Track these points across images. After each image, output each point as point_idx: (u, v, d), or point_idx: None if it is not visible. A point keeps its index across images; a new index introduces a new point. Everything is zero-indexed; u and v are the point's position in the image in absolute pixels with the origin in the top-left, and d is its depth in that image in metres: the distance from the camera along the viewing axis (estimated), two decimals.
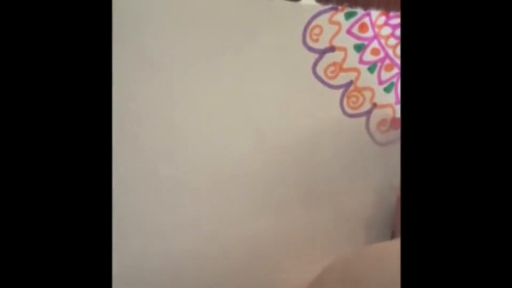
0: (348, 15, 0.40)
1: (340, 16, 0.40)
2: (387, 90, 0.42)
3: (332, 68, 0.41)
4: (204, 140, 0.41)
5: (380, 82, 0.42)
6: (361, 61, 0.41)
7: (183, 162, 0.41)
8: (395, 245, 0.36)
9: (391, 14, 0.41)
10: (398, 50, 0.41)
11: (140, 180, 0.40)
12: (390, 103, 0.43)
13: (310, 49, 0.40)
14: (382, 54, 0.41)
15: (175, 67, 0.38)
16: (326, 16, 0.39)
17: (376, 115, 0.43)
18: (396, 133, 0.43)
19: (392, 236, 0.46)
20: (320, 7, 0.39)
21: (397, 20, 0.41)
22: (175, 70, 0.38)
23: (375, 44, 0.41)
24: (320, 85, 0.41)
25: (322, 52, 0.40)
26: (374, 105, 0.42)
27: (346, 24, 0.40)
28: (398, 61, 0.42)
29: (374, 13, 0.40)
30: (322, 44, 0.40)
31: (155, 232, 0.42)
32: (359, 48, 0.41)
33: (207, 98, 0.40)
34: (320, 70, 0.41)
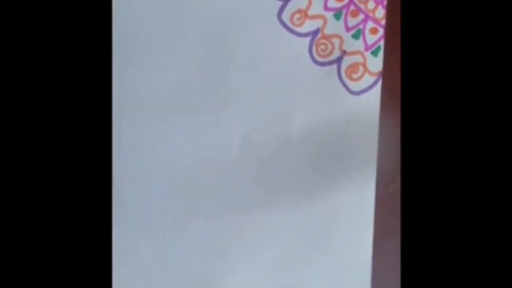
0: None
1: None
2: (355, 36, 0.43)
3: (297, 16, 0.41)
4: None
5: (348, 29, 0.42)
6: (326, 8, 0.42)
7: None
8: None
9: None
10: None
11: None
12: (360, 50, 0.43)
13: None
14: (346, 0, 0.42)
15: None
16: None
17: (347, 62, 0.43)
18: (369, 81, 0.44)
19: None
20: None
21: None
22: None
23: None
24: (287, 33, 0.41)
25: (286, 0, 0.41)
26: (344, 52, 0.43)
27: None
28: (363, 7, 0.42)
29: None
30: None
31: None
32: None
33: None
34: (285, 17, 0.41)
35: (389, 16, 0.43)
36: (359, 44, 0.43)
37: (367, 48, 0.43)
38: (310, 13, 0.41)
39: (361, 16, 0.42)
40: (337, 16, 0.42)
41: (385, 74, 0.44)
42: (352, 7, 0.42)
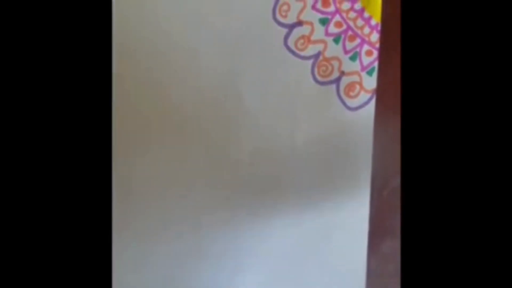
0: None
1: None
2: (352, 59, 0.48)
3: (301, 41, 0.46)
4: None
5: (346, 52, 0.47)
6: (326, 34, 0.47)
7: None
8: None
9: None
10: (358, 22, 0.47)
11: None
12: (357, 71, 0.48)
13: (280, 24, 0.45)
14: (344, 26, 0.47)
15: None
16: None
17: (345, 82, 0.48)
18: (365, 98, 0.48)
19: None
20: None
21: None
22: None
23: (337, 17, 0.47)
24: (292, 56, 0.46)
25: (291, 27, 0.46)
26: (342, 73, 0.48)
27: (310, 1, 0.46)
28: (359, 32, 0.47)
29: None
30: (290, 20, 0.46)
31: None
32: (324, 22, 0.46)
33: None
34: (291, 42, 0.46)
35: (383, 39, 0.48)
36: (356, 65, 0.48)
37: (363, 68, 0.48)
38: (312, 38, 0.46)
39: (357, 40, 0.47)
40: (336, 40, 0.47)
41: (380, 86, 0.49)
42: (350, 32, 0.47)
